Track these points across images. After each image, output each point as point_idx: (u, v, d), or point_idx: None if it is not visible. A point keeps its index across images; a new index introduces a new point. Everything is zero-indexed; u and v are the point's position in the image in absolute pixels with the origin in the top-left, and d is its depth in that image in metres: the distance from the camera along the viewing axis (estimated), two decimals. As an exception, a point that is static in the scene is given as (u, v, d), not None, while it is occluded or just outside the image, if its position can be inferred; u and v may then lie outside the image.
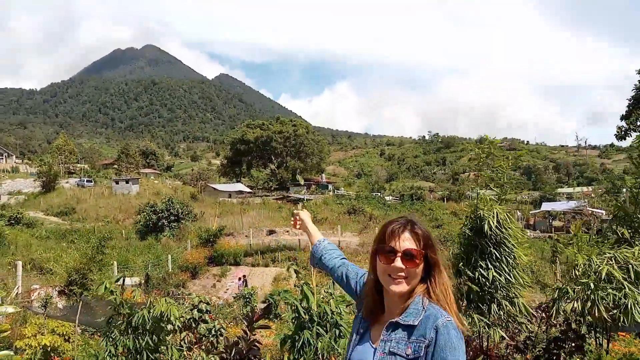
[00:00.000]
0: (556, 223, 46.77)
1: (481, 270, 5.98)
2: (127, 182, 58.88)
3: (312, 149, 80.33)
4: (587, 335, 6.15)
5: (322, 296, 5.85)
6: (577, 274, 5.14)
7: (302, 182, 79.23)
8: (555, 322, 6.50)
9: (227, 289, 26.94)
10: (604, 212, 44.16)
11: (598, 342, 6.09)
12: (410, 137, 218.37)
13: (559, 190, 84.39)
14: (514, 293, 5.94)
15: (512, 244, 6.03)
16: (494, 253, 5.84)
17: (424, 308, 1.77)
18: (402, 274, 1.80)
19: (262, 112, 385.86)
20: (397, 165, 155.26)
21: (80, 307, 9.97)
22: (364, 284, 2.14)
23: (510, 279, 5.66)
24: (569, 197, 70.22)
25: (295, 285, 5.59)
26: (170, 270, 27.64)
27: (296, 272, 7.36)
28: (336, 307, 5.49)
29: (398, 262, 1.79)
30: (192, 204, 44.93)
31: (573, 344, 6.20)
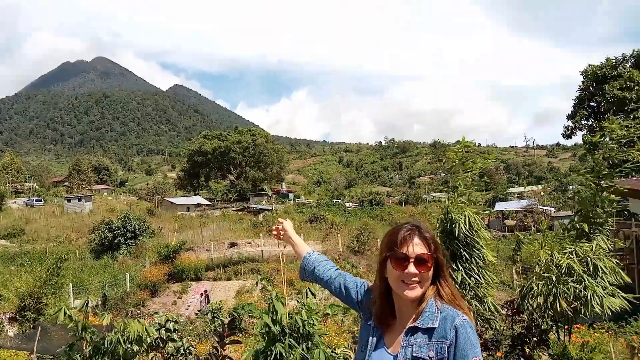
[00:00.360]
0: (509, 222, 48.32)
1: (450, 271, 6.02)
2: (79, 199, 56.69)
3: (271, 158, 79.93)
4: (549, 329, 6.32)
5: (294, 307, 5.71)
6: (540, 269, 5.25)
7: (269, 193, 78.70)
8: (520, 319, 6.65)
9: (189, 306, 26.26)
10: (553, 209, 46.11)
11: (558, 335, 6.26)
12: (367, 143, 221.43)
13: (510, 190, 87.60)
14: (482, 292, 6.02)
15: (481, 245, 6.13)
16: (464, 255, 5.91)
17: (438, 309, 1.82)
18: (416, 279, 1.82)
19: (219, 122, 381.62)
20: (355, 171, 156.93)
21: (38, 333, 9.43)
22: (365, 292, 2.13)
23: (479, 279, 5.72)
24: (520, 196, 72.91)
25: (265, 300, 5.38)
26: (129, 289, 26.69)
27: (264, 284, 7.20)
28: (308, 318, 5.37)
29: (411, 268, 1.80)
30: (149, 219, 43.68)
31: (535, 339, 6.36)
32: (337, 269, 2.36)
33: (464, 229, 5.98)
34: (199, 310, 24.61)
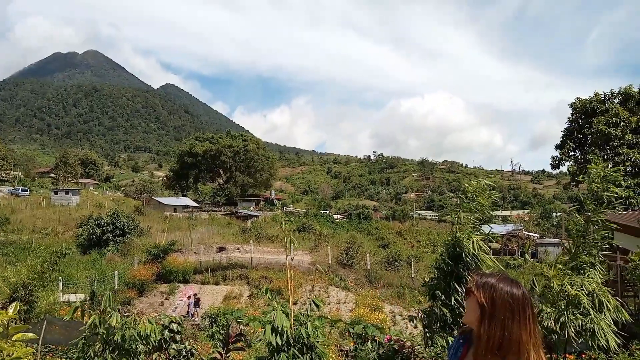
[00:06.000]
0: (494, 245, 49.14)
1: (456, 295, 6.53)
2: (66, 192, 56.31)
3: (262, 164, 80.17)
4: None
5: (301, 314, 6.06)
6: (551, 296, 5.77)
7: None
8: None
9: (176, 307, 26.40)
10: (537, 235, 47.13)
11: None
12: (356, 156, 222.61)
13: (495, 213, 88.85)
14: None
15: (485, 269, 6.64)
16: (469, 278, 6.37)
17: None
18: None
19: (209, 124, 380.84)
20: (343, 183, 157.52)
21: (44, 326, 9.70)
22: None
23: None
24: (504, 219, 74.13)
25: (272, 310, 5.66)
26: (117, 287, 26.77)
27: (268, 290, 7.61)
28: (313, 330, 5.69)
29: None
30: (138, 217, 43.65)
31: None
32: None
33: (470, 253, 6.48)
34: (187, 312, 24.79)
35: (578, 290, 5.39)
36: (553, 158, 36.63)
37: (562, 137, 36.67)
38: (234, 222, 51.55)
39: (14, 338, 3.08)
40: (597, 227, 6.54)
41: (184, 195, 78.80)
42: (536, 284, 6.09)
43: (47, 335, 11.57)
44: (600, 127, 32.25)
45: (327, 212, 74.77)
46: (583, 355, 9.27)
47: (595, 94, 36.17)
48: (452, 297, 6.35)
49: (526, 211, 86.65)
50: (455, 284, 6.35)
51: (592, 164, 6.93)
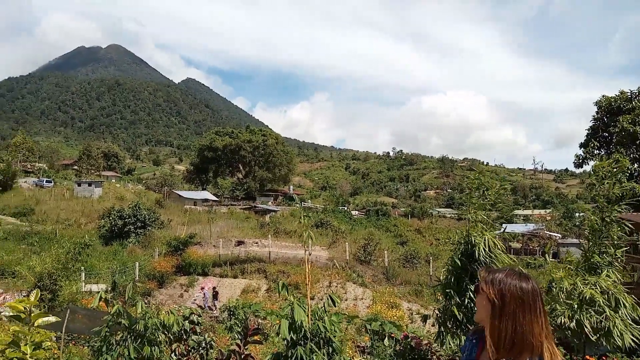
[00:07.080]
0: (514, 245, 48.55)
1: (470, 293, 6.49)
2: (89, 184, 57.41)
3: (280, 159, 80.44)
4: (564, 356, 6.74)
5: (318, 309, 6.09)
6: (563, 296, 5.71)
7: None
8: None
9: (195, 300, 26.76)
10: (559, 235, 46.37)
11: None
12: (375, 153, 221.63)
13: (516, 212, 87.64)
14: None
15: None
16: (483, 276, 6.33)
17: None
18: None
19: (229, 119, 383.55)
20: (361, 179, 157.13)
21: (67, 315, 9.93)
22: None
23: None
24: (526, 219, 73.14)
25: (289, 304, 5.66)
26: (138, 278, 27.23)
27: (285, 286, 7.65)
28: (331, 325, 5.71)
29: None
30: (158, 210, 44.29)
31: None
32: None
33: (484, 251, 6.41)
34: (204, 303, 25.11)
35: (592, 289, 5.32)
36: (577, 157, 35.85)
37: (587, 136, 35.89)
38: (253, 216, 51.91)
39: (36, 324, 3.17)
40: (611, 226, 6.44)
41: (203, 189, 79.57)
42: (554, 286, 6.01)
43: (69, 324, 11.83)
44: (626, 125, 31.47)
45: (345, 208, 74.70)
46: (604, 358, 9.11)
47: (621, 92, 35.25)
48: (467, 295, 6.30)
49: (548, 211, 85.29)
50: (469, 282, 6.30)
51: (601, 160, 6.83)
